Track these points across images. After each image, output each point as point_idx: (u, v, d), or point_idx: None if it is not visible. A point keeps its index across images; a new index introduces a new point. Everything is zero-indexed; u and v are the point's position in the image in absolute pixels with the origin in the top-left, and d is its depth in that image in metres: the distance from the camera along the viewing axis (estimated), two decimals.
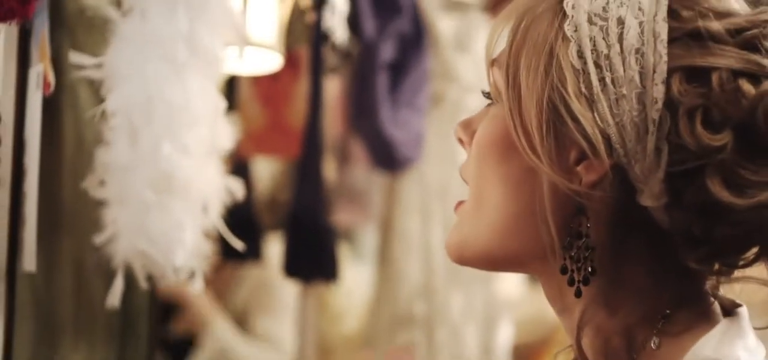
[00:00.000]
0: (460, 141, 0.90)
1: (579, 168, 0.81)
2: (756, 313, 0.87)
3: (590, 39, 0.80)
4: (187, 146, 1.38)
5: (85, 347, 1.55)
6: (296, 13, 1.95)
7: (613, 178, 0.79)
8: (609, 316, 0.81)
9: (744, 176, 0.77)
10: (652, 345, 0.81)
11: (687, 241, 0.79)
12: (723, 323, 0.83)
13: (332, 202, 2.25)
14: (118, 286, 1.39)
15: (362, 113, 2.22)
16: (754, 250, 0.81)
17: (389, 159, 2.26)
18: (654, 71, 0.78)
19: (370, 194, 2.59)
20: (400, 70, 2.22)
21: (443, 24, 2.31)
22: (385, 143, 2.21)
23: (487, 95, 0.89)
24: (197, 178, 1.40)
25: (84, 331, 1.55)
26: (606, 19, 0.80)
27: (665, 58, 0.78)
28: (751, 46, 0.79)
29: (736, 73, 0.78)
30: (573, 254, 0.80)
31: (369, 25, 2.10)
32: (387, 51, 2.17)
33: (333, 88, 2.31)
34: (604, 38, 0.79)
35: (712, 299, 0.84)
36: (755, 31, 0.79)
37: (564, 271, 0.81)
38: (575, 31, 0.80)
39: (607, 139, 0.79)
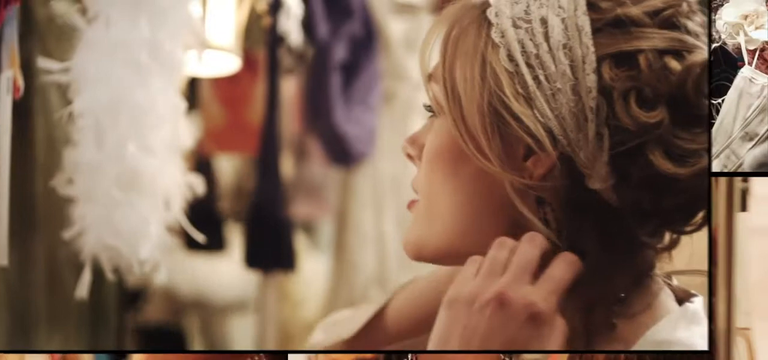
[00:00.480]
0: (409, 156, 0.92)
1: (528, 163, 0.82)
2: None
3: (518, 42, 0.82)
4: (151, 146, 1.41)
5: (60, 336, 1.57)
6: (253, 18, 1.98)
7: (561, 168, 0.81)
8: (570, 297, 0.81)
9: (683, 146, 0.81)
10: (609, 326, 0.82)
11: (637, 216, 0.81)
12: (679, 310, 0.85)
13: (290, 196, 2.27)
14: (86, 278, 1.42)
15: (317, 111, 2.25)
16: (701, 214, 0.84)
17: (343, 154, 2.28)
18: (584, 62, 0.81)
19: (327, 188, 2.59)
20: (352, 70, 2.24)
21: (393, 26, 2.32)
22: (340, 139, 2.23)
23: (428, 108, 0.90)
24: (161, 175, 1.43)
25: (58, 321, 1.58)
26: (529, 21, 0.83)
27: (592, 48, 0.81)
28: (670, 24, 0.83)
29: (661, 52, 0.81)
30: (554, 240, 0.82)
31: (322, 27, 2.13)
32: (340, 52, 2.20)
33: (289, 88, 2.33)
34: (531, 39, 0.82)
35: (666, 287, 0.87)
36: (671, 10, 0.83)
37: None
38: (502, 37, 0.83)
39: (549, 132, 0.80)
